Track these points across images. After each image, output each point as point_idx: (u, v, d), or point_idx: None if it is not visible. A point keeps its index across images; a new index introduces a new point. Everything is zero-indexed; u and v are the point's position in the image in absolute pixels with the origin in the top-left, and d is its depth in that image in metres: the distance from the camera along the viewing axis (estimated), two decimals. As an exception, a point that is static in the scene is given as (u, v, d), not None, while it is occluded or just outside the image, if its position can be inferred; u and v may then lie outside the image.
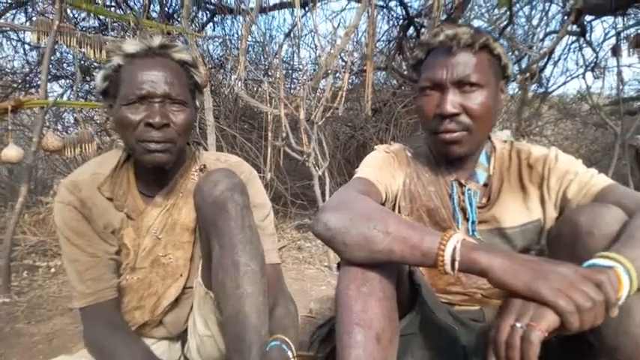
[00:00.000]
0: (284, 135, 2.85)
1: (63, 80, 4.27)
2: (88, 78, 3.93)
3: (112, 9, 3.80)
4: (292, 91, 4.33)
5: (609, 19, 3.86)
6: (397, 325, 0.87)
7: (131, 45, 1.05)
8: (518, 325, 0.66)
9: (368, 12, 2.82)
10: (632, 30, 3.50)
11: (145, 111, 1.01)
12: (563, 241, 0.88)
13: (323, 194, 2.93)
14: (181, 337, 1.22)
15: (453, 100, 1.00)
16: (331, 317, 1.11)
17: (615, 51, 3.60)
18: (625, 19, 3.66)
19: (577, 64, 6.82)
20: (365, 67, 3.28)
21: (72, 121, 4.27)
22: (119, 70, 1.04)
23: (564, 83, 5.68)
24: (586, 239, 0.82)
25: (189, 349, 1.18)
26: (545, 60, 3.98)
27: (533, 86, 4.32)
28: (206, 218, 0.97)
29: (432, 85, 1.03)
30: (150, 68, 1.03)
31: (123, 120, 1.02)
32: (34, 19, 3.46)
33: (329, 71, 2.77)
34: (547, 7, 4.03)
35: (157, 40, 1.07)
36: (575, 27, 3.56)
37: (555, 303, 0.65)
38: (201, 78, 1.15)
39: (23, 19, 3.85)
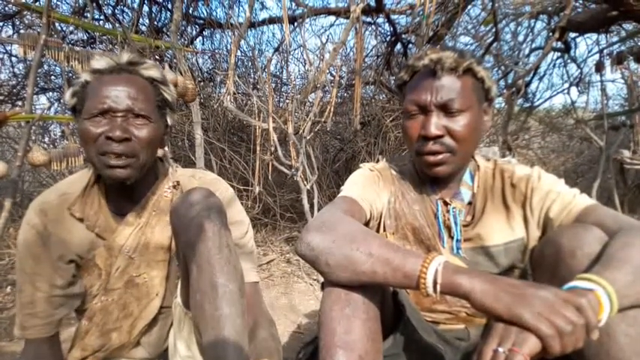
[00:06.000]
0: (272, 149, 2.85)
1: (51, 93, 4.23)
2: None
3: (101, 23, 3.79)
4: (281, 104, 4.34)
5: (593, 36, 3.95)
6: (381, 346, 0.87)
7: (98, 61, 1.05)
8: (500, 349, 0.67)
9: (356, 28, 2.85)
10: (614, 47, 3.58)
11: (107, 125, 1.00)
12: (545, 262, 0.89)
13: (312, 207, 2.92)
14: (162, 357, 1.20)
15: (436, 123, 1.01)
16: (317, 335, 1.10)
17: (599, 67, 3.67)
18: (608, 36, 3.74)
19: (562, 79, 6.96)
20: (354, 82, 3.30)
21: (59, 134, 4.24)
22: (86, 86, 1.04)
23: (550, 98, 5.78)
24: (568, 260, 0.83)
25: (170, 370, 1.16)
26: (531, 75, 4.04)
27: (520, 101, 4.38)
28: (183, 240, 0.95)
29: (417, 107, 1.04)
30: (114, 84, 1.02)
31: (84, 133, 1.01)
32: (21, 31, 3.44)
33: (317, 85, 2.78)
34: (532, 24, 4.10)
35: (125, 57, 1.06)
36: (559, 43, 3.62)
37: (536, 327, 0.66)
38: (171, 95, 1.13)
39: (10, 32, 3.83)
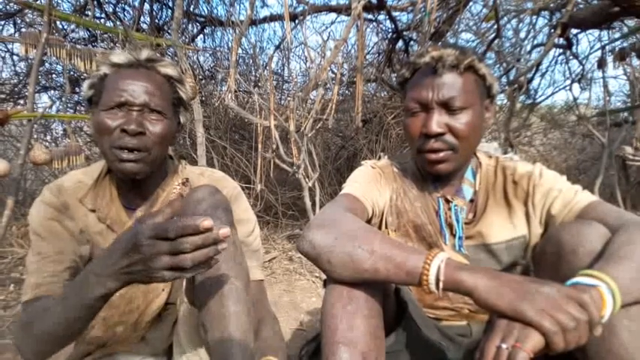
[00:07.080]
0: (274, 146, 2.85)
1: (52, 91, 4.24)
2: (77, 89, 3.91)
3: (102, 21, 3.79)
4: (282, 102, 4.34)
5: (595, 33, 3.93)
6: (383, 343, 0.87)
7: (118, 56, 1.07)
8: (503, 346, 0.67)
9: (357, 25, 2.85)
10: (617, 43, 3.57)
11: (123, 118, 1.02)
12: (547, 258, 0.89)
13: (313, 205, 2.92)
14: (166, 353, 1.20)
15: (438, 120, 1.01)
16: (320, 332, 1.11)
17: (601, 63, 3.66)
18: (610, 32, 3.73)
19: (564, 75, 6.94)
20: (355, 79, 3.30)
21: (61, 132, 4.24)
22: (104, 79, 1.06)
23: (552, 94, 5.73)
24: (570, 257, 0.83)
25: (175, 366, 1.17)
26: (533, 72, 4.03)
27: (522, 97, 4.37)
28: None
29: (418, 104, 1.04)
30: (133, 78, 1.04)
31: (100, 125, 1.02)
32: (22, 30, 3.45)
33: (319, 83, 2.78)
34: (534, 21, 4.10)
35: (144, 53, 1.09)
36: (561, 40, 3.61)
37: (540, 323, 0.66)
38: (186, 94, 1.15)
39: (12, 30, 3.83)
